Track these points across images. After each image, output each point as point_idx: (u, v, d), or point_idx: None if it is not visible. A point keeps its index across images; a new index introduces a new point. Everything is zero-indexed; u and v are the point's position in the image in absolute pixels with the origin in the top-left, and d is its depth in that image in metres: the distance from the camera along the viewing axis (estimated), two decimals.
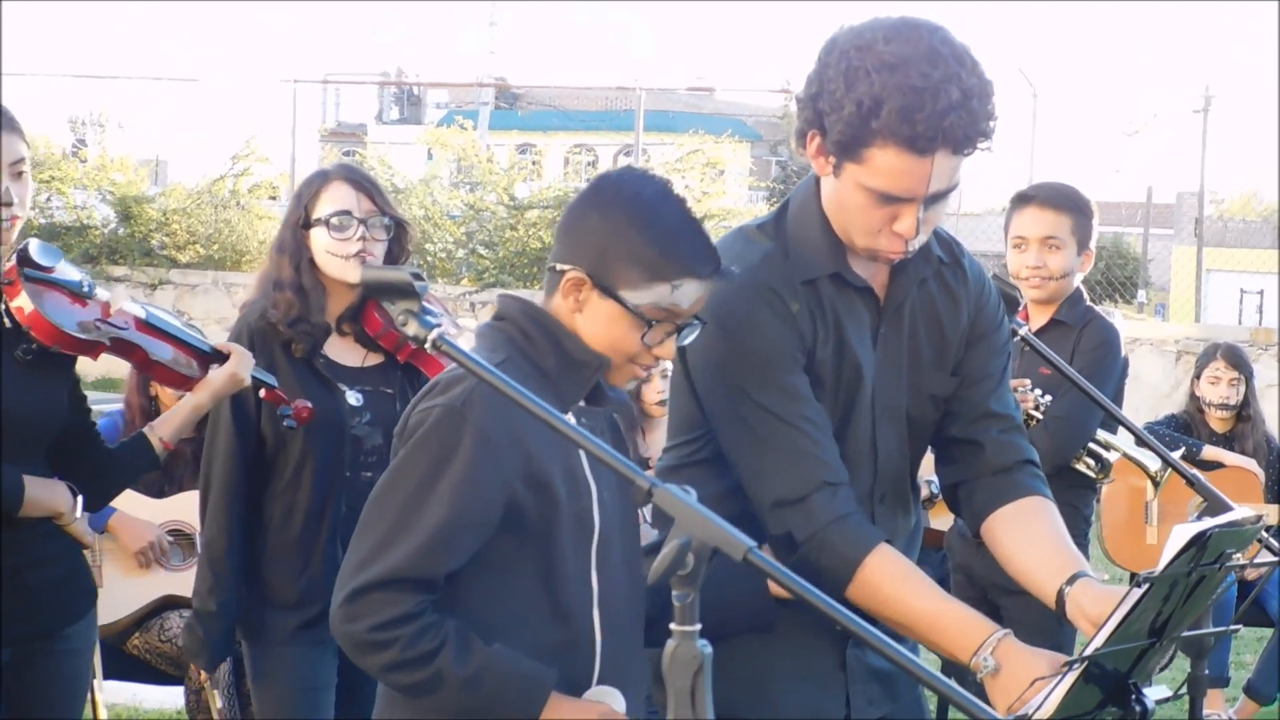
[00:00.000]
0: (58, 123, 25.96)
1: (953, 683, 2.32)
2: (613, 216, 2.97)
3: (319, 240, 4.51)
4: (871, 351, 3.38)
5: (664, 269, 2.95)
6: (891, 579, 3.20)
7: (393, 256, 4.60)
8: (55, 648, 4.14)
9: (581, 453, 2.98)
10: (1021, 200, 5.43)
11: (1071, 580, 3.24)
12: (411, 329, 2.58)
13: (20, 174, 3.95)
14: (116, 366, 13.86)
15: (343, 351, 4.59)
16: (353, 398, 4.52)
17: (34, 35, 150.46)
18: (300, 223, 4.55)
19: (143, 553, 5.70)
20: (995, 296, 3.58)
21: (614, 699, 3.01)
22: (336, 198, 4.53)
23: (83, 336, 3.99)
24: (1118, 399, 5.30)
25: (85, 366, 4.12)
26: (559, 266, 2.99)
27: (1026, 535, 3.44)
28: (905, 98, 3.02)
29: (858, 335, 3.35)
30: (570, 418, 2.98)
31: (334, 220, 4.50)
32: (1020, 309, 4.64)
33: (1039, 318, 5.37)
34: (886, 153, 3.07)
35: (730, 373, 3.25)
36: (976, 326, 3.53)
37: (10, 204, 3.90)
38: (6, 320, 3.95)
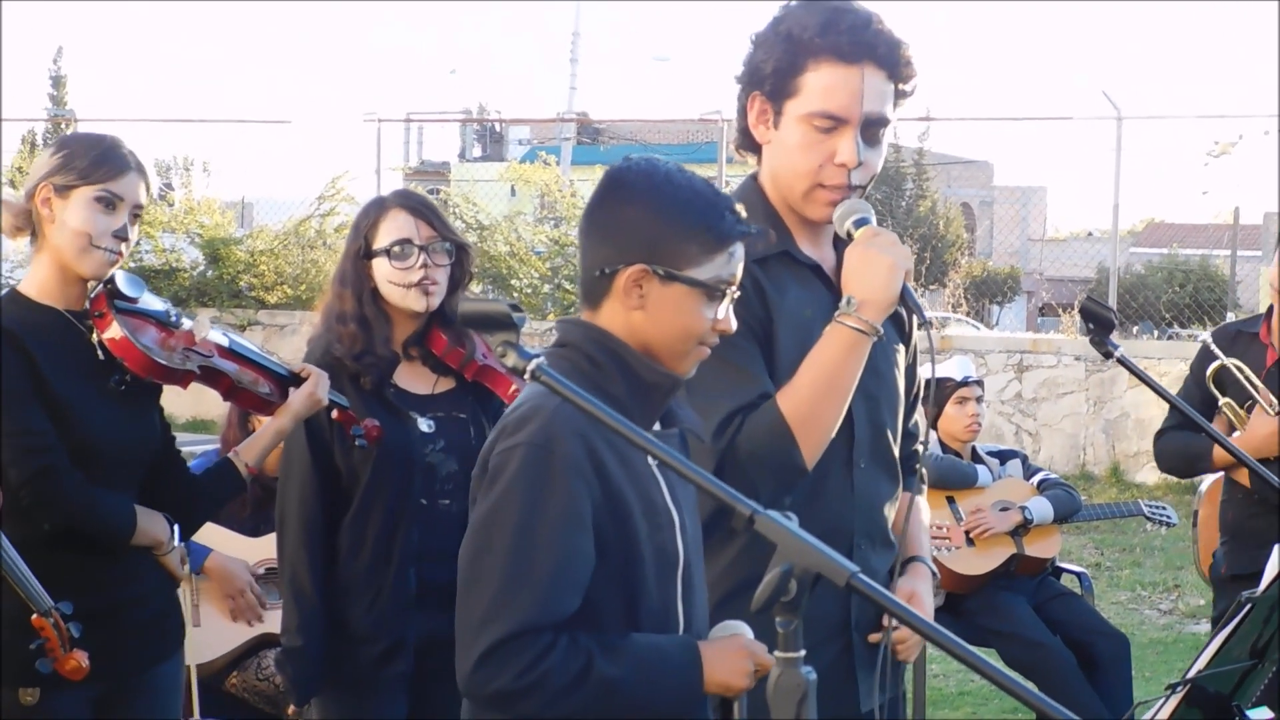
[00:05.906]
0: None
1: (1050, 700, 2.30)
2: (651, 203, 2.94)
3: (381, 270, 4.51)
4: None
5: (717, 239, 2.96)
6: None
7: (455, 279, 4.59)
8: (145, 686, 4.18)
9: (662, 481, 2.97)
10: None
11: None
12: (510, 360, 2.59)
13: (136, 217, 4.05)
14: (206, 407, 13.97)
15: (413, 379, 4.58)
16: (424, 425, 4.49)
17: (119, 81, 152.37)
18: (360, 253, 4.54)
19: (233, 598, 5.67)
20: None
21: (744, 629, 2.95)
22: (396, 226, 4.52)
23: (174, 365, 4.05)
24: None
25: (176, 408, 4.19)
26: (608, 269, 2.95)
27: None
28: (825, 14, 3.40)
29: (817, 310, 3.46)
30: None
31: (395, 249, 4.49)
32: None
33: None
34: (820, 71, 3.39)
35: None
36: (909, 343, 3.77)
37: (126, 239, 3.99)
38: (100, 353, 4.02)
